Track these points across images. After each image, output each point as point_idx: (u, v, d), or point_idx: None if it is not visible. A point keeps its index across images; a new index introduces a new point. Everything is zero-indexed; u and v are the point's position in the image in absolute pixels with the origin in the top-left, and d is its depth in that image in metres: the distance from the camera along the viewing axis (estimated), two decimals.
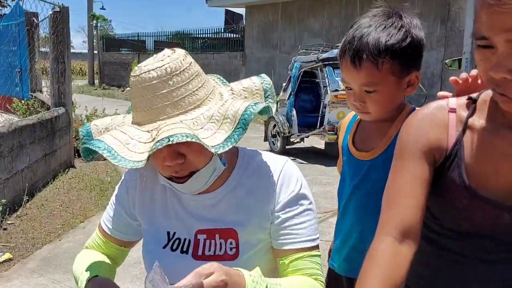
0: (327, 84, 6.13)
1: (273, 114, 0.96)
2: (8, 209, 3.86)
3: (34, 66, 7.40)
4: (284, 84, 7.13)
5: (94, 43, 21.60)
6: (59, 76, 5.74)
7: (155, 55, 0.89)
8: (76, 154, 5.84)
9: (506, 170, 0.75)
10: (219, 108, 0.86)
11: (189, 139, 0.79)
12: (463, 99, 0.82)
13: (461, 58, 6.43)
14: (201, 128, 0.84)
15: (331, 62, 5.98)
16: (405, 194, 0.78)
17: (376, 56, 1.00)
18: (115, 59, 20.82)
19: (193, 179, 0.90)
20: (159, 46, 19.91)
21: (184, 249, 0.99)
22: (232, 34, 16.59)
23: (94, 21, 21.20)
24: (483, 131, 0.78)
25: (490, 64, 0.66)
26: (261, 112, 0.89)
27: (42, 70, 7.81)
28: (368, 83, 1.04)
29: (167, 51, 0.89)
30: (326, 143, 6.61)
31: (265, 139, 7.15)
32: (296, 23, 12.87)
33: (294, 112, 6.65)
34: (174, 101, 0.85)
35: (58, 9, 5.62)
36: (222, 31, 17.10)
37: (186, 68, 0.87)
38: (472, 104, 0.81)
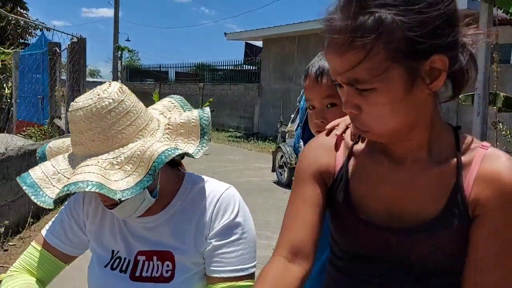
0: None
1: (197, 156, 0.94)
2: (11, 230, 3.96)
3: (54, 93, 7.72)
4: (292, 116, 7.20)
5: (119, 73, 22.34)
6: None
7: (91, 90, 0.94)
8: None
9: (384, 193, 0.79)
10: (139, 148, 0.89)
11: (88, 189, 0.82)
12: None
13: (473, 94, 6.42)
14: (119, 168, 0.88)
15: None
16: (297, 216, 0.82)
17: None
18: (138, 89, 21.36)
19: (120, 207, 0.94)
20: (179, 76, 20.45)
21: (123, 268, 1.02)
22: (250, 66, 16.93)
23: (119, 52, 21.99)
24: (365, 157, 0.83)
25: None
26: (188, 154, 0.94)
27: (62, 97, 8.14)
28: (329, 95, 1.09)
29: (103, 86, 0.94)
30: None
31: (273, 170, 7.17)
32: (311, 56, 13.04)
33: (301, 143, 6.58)
34: (98, 140, 0.90)
35: (75, 40, 5.91)
36: (241, 63, 17.48)
37: (114, 107, 0.90)
38: None
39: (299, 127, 6.30)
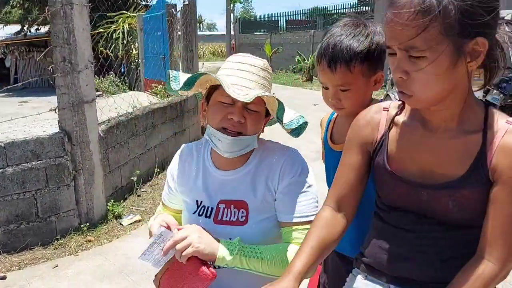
0: None
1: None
2: (142, 179, 4.62)
3: (172, 53, 8.35)
4: None
5: (232, 26, 22.91)
6: (188, 62, 6.43)
7: (250, 55, 1.24)
8: (203, 132, 6.50)
9: (418, 156, 0.95)
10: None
11: (276, 100, 1.14)
12: (398, 102, 1.02)
13: None
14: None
15: None
16: (342, 177, 1.06)
17: (349, 61, 1.16)
18: (250, 41, 21.84)
19: (238, 138, 1.18)
20: (291, 24, 20.27)
21: (208, 214, 1.27)
22: (365, 8, 16.04)
23: (232, 5, 22.46)
24: (404, 126, 0.98)
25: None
26: (297, 128, 1.26)
27: (179, 56, 8.77)
28: (342, 83, 1.20)
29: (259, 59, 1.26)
30: None
31: None
32: None
33: None
34: (258, 83, 1.18)
35: (187, 2, 6.26)
36: (356, 5, 16.63)
37: (269, 71, 1.24)
38: (401, 104, 1.01)
39: None
